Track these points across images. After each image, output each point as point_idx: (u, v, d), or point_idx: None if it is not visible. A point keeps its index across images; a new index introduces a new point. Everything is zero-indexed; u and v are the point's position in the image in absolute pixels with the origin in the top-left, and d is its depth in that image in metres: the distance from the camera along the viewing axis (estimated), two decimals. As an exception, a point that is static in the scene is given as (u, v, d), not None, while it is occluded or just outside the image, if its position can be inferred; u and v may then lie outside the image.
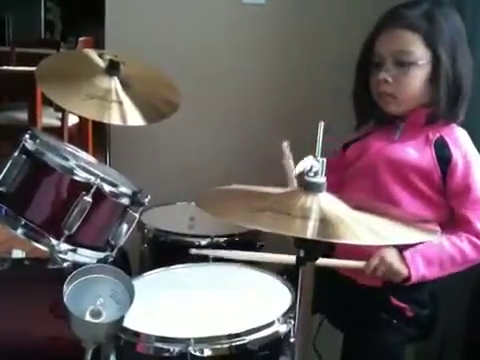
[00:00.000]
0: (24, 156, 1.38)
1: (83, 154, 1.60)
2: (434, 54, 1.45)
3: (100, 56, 1.90)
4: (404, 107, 1.51)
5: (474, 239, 1.44)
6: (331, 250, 1.53)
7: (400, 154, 1.49)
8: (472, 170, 1.46)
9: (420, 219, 1.32)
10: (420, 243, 1.42)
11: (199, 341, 1.14)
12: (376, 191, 1.50)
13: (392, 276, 1.45)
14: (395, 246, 1.44)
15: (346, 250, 1.47)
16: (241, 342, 1.15)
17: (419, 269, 1.43)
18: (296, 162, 1.13)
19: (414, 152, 1.48)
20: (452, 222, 1.49)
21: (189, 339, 1.13)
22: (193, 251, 1.52)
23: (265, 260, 1.50)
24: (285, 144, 1.56)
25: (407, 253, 1.44)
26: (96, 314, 1.18)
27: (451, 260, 1.44)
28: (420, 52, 1.45)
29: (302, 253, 1.14)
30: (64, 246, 1.35)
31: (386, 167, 1.50)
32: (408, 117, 1.52)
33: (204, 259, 1.57)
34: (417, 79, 1.47)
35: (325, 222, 1.07)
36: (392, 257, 1.43)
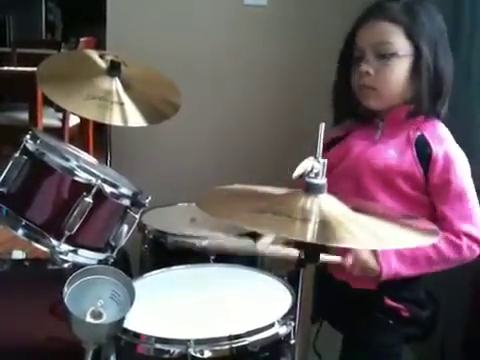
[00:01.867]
0: (25, 157, 1.38)
1: (84, 155, 1.60)
2: (415, 47, 1.44)
3: (101, 57, 1.91)
4: (384, 102, 1.50)
5: (452, 237, 1.43)
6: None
7: (381, 157, 1.48)
8: (453, 166, 1.45)
9: (419, 219, 1.31)
10: None
11: (199, 342, 1.14)
12: (359, 194, 1.49)
13: (367, 273, 1.45)
14: None
15: (344, 249, 1.47)
16: (241, 343, 1.15)
17: (390, 264, 1.43)
18: (297, 163, 1.12)
19: (395, 154, 1.48)
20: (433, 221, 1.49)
21: (189, 340, 1.13)
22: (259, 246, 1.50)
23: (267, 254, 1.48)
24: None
25: (380, 251, 1.44)
26: (96, 315, 1.18)
27: (426, 258, 1.43)
28: (401, 43, 1.45)
29: (302, 255, 1.13)
30: (64, 247, 1.35)
31: (368, 170, 1.50)
32: (388, 114, 1.52)
33: (205, 260, 1.57)
34: (398, 71, 1.46)
35: (325, 224, 1.07)
36: (366, 254, 1.44)
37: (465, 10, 1.73)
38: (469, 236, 1.43)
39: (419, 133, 1.48)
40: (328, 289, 1.49)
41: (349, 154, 1.55)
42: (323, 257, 1.42)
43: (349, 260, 1.44)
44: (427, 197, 1.49)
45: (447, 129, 1.51)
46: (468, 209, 1.45)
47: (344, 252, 1.44)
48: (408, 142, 1.48)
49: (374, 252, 1.45)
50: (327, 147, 1.63)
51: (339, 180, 1.55)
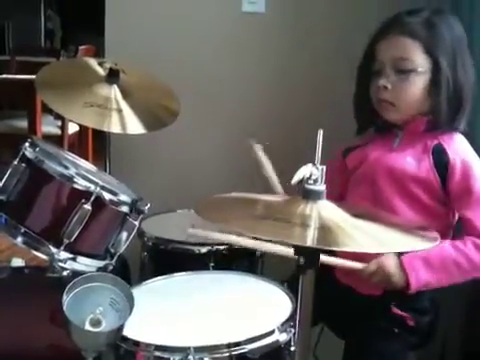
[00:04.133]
0: (24, 164, 1.38)
1: (83, 162, 1.60)
2: (434, 62, 1.44)
3: (100, 64, 1.91)
4: (403, 115, 1.51)
5: (478, 241, 1.41)
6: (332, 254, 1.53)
7: (398, 163, 1.49)
8: (472, 171, 1.44)
9: (419, 225, 1.31)
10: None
11: (199, 350, 1.13)
12: (376, 200, 1.50)
13: (389, 285, 1.43)
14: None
15: (346, 256, 1.46)
16: (241, 351, 1.15)
17: (420, 276, 1.41)
18: (295, 170, 1.12)
19: (412, 161, 1.48)
20: (457, 229, 1.48)
21: (189, 348, 1.13)
22: (190, 231, 1.49)
23: (265, 250, 1.48)
24: (256, 145, 1.55)
25: (406, 259, 1.41)
26: (96, 323, 1.18)
27: (456, 265, 1.40)
28: (420, 59, 1.45)
29: (302, 261, 1.13)
30: (64, 254, 1.35)
31: (385, 176, 1.50)
32: (407, 125, 1.52)
33: (204, 267, 1.57)
34: (416, 87, 1.46)
35: (325, 229, 1.07)
36: (391, 267, 1.41)
37: (463, 14, 1.73)
38: None
39: (436, 142, 1.48)
40: (331, 292, 1.48)
41: (367, 159, 1.56)
42: (344, 262, 1.43)
43: (371, 267, 1.41)
44: (443, 208, 1.48)
45: (464, 138, 1.51)
46: None
47: (367, 259, 1.41)
48: (425, 150, 1.48)
49: (399, 262, 1.41)
50: (344, 154, 1.64)
51: (357, 185, 1.56)
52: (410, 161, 1.48)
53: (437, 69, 1.44)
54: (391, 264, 1.42)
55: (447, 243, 1.42)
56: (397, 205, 1.48)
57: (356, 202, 1.53)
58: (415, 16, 1.47)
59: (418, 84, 1.46)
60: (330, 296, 1.46)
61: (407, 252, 1.41)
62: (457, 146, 1.48)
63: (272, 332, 1.19)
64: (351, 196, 1.58)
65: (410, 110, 1.50)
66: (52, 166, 1.36)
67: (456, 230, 1.52)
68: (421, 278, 1.41)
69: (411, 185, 1.47)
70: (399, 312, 1.48)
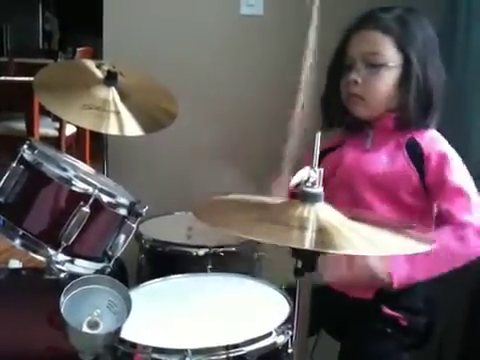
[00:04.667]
0: (22, 166, 1.38)
1: (81, 164, 1.60)
2: (405, 58, 1.45)
3: (98, 66, 1.91)
4: (372, 111, 1.51)
5: (456, 229, 1.40)
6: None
7: (374, 165, 1.49)
8: (447, 162, 1.44)
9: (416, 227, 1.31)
10: None
11: (196, 352, 1.13)
12: (356, 203, 1.49)
13: (376, 282, 1.41)
14: None
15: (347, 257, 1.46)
16: (239, 353, 1.15)
17: (401, 269, 1.38)
18: (294, 172, 1.13)
19: (387, 159, 1.48)
20: (436, 220, 1.47)
21: (186, 350, 1.13)
22: None
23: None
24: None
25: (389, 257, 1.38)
26: (93, 325, 1.18)
27: (435, 255, 1.31)
28: (391, 54, 1.45)
29: (300, 264, 1.13)
30: (61, 257, 1.35)
31: (362, 180, 1.50)
32: (376, 122, 1.52)
33: (202, 269, 1.57)
34: (387, 82, 1.47)
35: (322, 232, 1.07)
36: (374, 261, 1.39)
37: (461, 14, 1.74)
38: (472, 226, 1.40)
39: (409, 136, 1.49)
40: (325, 300, 1.48)
41: (342, 163, 1.56)
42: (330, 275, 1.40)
43: (355, 270, 1.39)
44: (424, 203, 1.48)
45: (440, 134, 1.51)
46: (469, 203, 1.42)
47: (348, 261, 1.40)
48: (398, 147, 1.49)
49: (383, 260, 1.39)
50: (320, 157, 1.64)
51: (335, 191, 1.55)
52: (385, 159, 1.48)
53: (408, 64, 1.45)
54: (374, 259, 1.39)
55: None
56: (377, 208, 1.48)
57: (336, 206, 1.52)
58: (388, 12, 1.49)
59: (388, 79, 1.47)
60: (324, 303, 1.46)
61: None
62: (430, 139, 1.48)
63: (270, 334, 1.19)
64: (330, 201, 1.58)
65: (379, 106, 1.50)
66: (50, 168, 1.36)
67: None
68: (403, 272, 1.39)
69: (389, 184, 1.47)
70: (390, 312, 1.49)
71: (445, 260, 1.39)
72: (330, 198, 1.58)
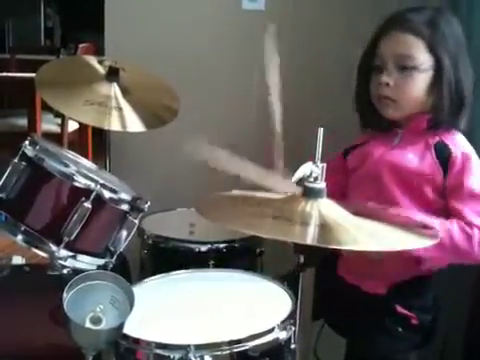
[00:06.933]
0: (24, 162, 1.38)
1: (83, 160, 1.60)
2: (437, 60, 1.44)
3: (100, 62, 1.91)
4: (402, 112, 1.51)
5: (464, 226, 1.40)
6: (334, 254, 1.53)
7: (401, 160, 1.48)
8: (470, 165, 1.44)
9: (419, 223, 1.30)
10: None
11: (199, 348, 1.13)
12: (381, 197, 1.49)
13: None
14: None
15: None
16: (242, 348, 1.15)
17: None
18: (296, 168, 1.13)
19: (414, 157, 1.48)
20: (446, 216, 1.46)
21: (189, 345, 1.13)
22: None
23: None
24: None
25: None
26: (96, 321, 1.18)
27: (440, 241, 1.29)
28: (422, 57, 1.45)
29: (302, 259, 1.13)
30: (64, 252, 1.35)
31: (389, 173, 1.50)
32: (409, 123, 1.52)
33: (204, 265, 1.56)
34: (418, 84, 1.46)
35: (325, 227, 1.07)
36: None
37: (462, 14, 1.73)
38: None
39: (438, 139, 1.48)
40: (336, 290, 1.48)
41: (369, 158, 1.55)
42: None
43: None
44: (443, 201, 1.48)
45: (464, 137, 1.51)
46: None
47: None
48: (427, 147, 1.48)
49: None
50: (345, 153, 1.64)
51: (360, 184, 1.56)
52: (412, 158, 1.48)
53: (439, 67, 1.44)
54: None
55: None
56: (401, 202, 1.47)
57: (361, 200, 1.52)
58: (418, 14, 1.47)
59: (420, 82, 1.46)
60: (335, 294, 1.46)
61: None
62: (457, 142, 1.48)
63: (272, 330, 1.18)
64: (354, 196, 1.58)
65: (411, 108, 1.50)
66: (52, 164, 1.36)
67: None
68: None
69: (415, 181, 1.47)
70: (404, 311, 1.48)
71: (449, 247, 1.38)
72: (354, 192, 1.59)
